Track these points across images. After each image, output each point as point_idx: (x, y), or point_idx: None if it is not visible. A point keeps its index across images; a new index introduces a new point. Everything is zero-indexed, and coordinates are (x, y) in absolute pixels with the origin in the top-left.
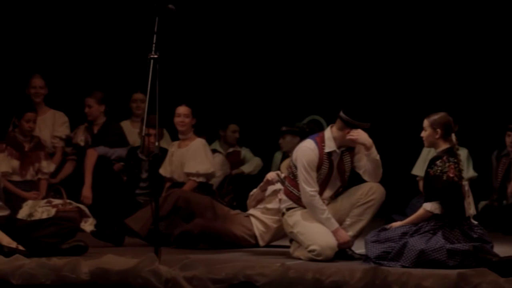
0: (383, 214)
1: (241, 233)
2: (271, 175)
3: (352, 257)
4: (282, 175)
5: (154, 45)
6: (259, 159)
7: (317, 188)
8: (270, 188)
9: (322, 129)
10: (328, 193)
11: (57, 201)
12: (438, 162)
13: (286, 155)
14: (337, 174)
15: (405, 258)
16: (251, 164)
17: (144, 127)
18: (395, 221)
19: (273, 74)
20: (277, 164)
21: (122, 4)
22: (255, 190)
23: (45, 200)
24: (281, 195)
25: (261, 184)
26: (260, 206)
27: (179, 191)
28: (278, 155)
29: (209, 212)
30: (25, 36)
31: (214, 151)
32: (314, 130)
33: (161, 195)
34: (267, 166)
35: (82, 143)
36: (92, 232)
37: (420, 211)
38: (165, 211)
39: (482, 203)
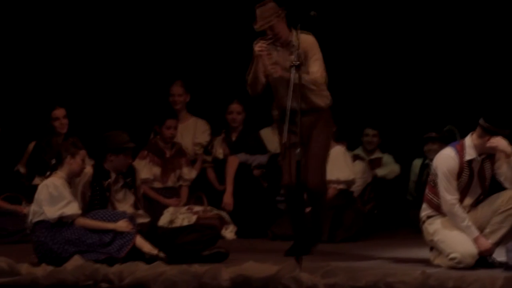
0: None
1: None
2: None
3: (492, 265)
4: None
5: (296, 52)
6: (396, 166)
7: (457, 196)
8: None
9: (455, 139)
10: (468, 200)
11: (198, 208)
12: None
13: (426, 163)
14: (478, 182)
15: None
16: (386, 168)
17: (285, 134)
18: None
19: (415, 79)
20: (416, 172)
21: None
22: None
23: (186, 207)
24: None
25: None
26: None
27: None
28: (417, 162)
29: None
30: (169, 44)
31: (356, 157)
32: (450, 139)
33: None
34: (406, 173)
35: (220, 156)
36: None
37: None
38: None
39: None
